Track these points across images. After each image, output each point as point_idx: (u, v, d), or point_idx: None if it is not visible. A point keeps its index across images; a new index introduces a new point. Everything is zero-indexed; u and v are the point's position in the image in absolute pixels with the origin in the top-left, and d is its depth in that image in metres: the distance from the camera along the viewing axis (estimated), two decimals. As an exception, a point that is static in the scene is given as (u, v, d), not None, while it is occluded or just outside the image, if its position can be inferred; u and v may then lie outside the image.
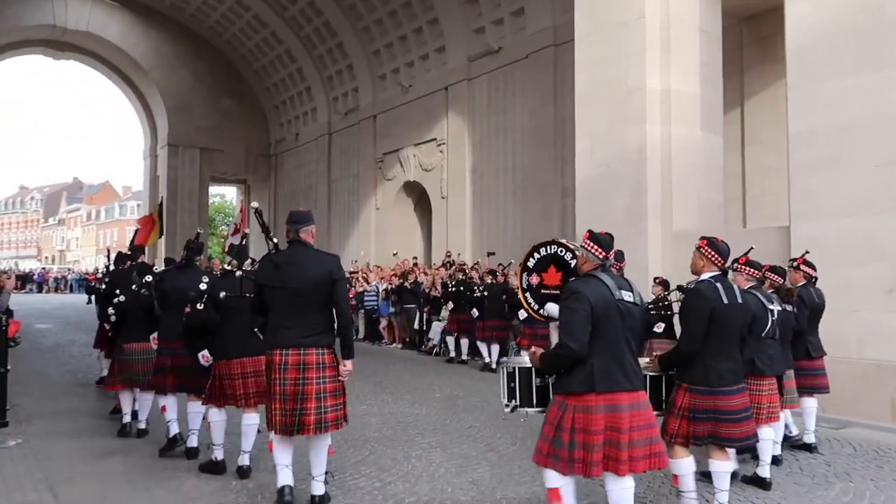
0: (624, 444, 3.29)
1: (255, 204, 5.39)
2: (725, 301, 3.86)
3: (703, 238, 4.17)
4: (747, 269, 5.10)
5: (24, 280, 36.27)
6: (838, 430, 6.39)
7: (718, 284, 3.92)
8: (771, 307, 4.91)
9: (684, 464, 3.91)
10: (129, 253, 7.75)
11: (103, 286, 7.68)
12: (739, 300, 3.98)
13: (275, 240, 4.97)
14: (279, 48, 24.11)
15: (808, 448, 5.63)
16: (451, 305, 11.79)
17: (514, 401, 4.01)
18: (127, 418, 6.10)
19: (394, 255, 16.31)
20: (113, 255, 7.98)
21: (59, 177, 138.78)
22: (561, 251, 4.78)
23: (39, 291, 36.99)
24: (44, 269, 47.21)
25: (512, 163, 16.12)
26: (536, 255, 5.02)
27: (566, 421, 3.36)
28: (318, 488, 4.21)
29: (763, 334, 4.72)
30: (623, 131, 9.63)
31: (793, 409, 5.56)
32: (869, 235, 7.17)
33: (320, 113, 24.26)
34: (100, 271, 10.93)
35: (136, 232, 13.50)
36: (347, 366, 4.21)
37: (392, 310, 13.95)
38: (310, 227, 4.39)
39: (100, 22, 24.07)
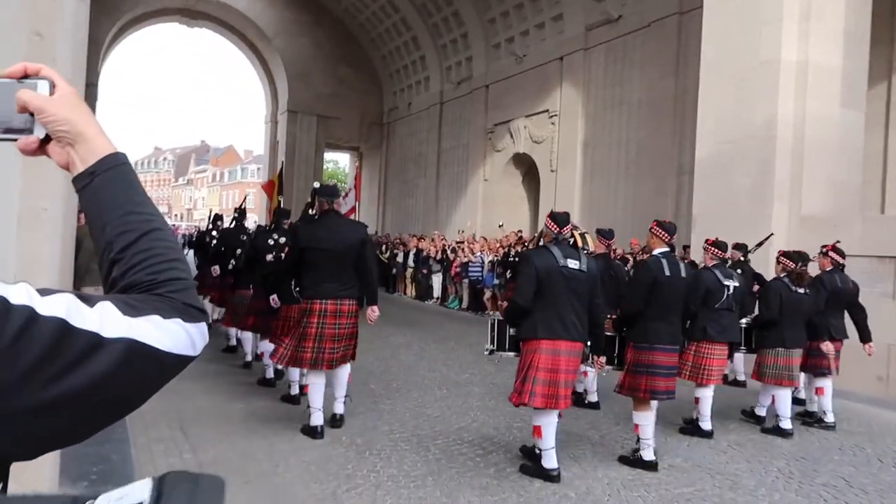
0: (562, 383, 4.14)
1: (316, 184, 5.81)
2: (667, 273, 4.64)
3: (655, 221, 5.02)
4: (713, 248, 5.77)
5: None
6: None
7: (664, 260, 4.71)
8: (727, 283, 5.56)
9: (643, 416, 4.60)
10: (234, 215, 9.11)
11: (212, 241, 9.53)
12: (682, 274, 4.76)
13: (312, 210, 5.75)
14: (395, 16, 24.37)
15: (828, 426, 5.99)
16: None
17: (493, 346, 4.97)
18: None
19: (499, 226, 16.30)
20: (217, 216, 9.85)
21: (189, 139, 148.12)
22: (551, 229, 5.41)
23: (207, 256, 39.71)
24: (174, 225, 50.81)
25: (626, 137, 15.59)
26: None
27: (528, 363, 4.21)
28: (339, 407, 5.21)
29: (717, 306, 5.48)
30: (752, 106, 9.05)
31: (790, 386, 5.87)
32: None
33: (433, 82, 24.40)
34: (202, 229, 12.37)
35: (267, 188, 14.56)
36: (375, 311, 5.17)
37: (497, 282, 14.00)
38: (339, 199, 5.31)
39: (230, -9, 25.24)
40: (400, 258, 18.16)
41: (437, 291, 16.38)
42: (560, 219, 4.39)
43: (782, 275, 5.99)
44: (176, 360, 0.84)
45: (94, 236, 0.95)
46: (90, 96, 22.13)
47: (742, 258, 7.76)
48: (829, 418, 6.07)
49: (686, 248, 10.20)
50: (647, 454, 4.57)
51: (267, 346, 6.40)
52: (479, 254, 14.88)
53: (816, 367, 6.16)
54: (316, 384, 5.03)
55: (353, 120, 27.75)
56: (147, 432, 4.84)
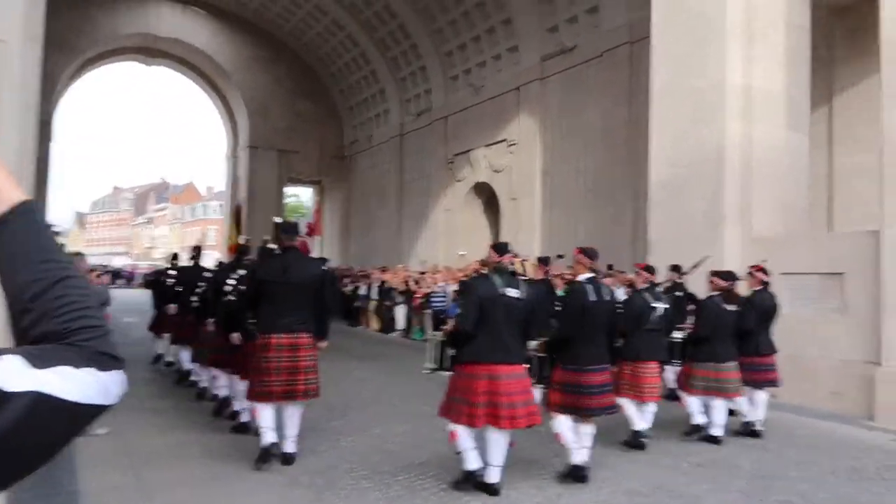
0: (504, 404, 4.33)
1: (278, 219, 5.97)
2: (593, 298, 4.90)
3: (577, 248, 5.31)
4: (643, 273, 6.20)
5: (114, 276, 38.42)
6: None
7: (589, 285, 4.97)
8: (655, 304, 5.94)
9: (561, 423, 4.89)
10: (192, 253, 9.12)
11: (168, 280, 9.52)
12: (606, 298, 5.02)
13: (273, 245, 5.89)
14: (354, 51, 24.61)
15: (755, 434, 6.33)
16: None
17: (435, 365, 5.47)
18: None
19: (461, 255, 16.36)
20: (174, 255, 9.63)
21: (149, 177, 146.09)
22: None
23: (128, 286, 39.10)
24: (132, 265, 49.83)
25: (584, 164, 15.87)
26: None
27: (461, 384, 4.49)
28: (291, 446, 5.13)
29: (647, 326, 5.84)
30: (701, 130, 9.32)
31: (728, 398, 6.21)
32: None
33: (393, 114, 24.60)
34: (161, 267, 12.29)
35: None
36: (324, 343, 5.36)
37: (460, 311, 13.98)
38: (300, 237, 5.46)
39: (189, 29, 25.22)
40: (363, 291, 18.04)
41: (400, 323, 16.29)
42: (500, 248, 4.72)
43: (714, 293, 6.43)
44: (88, 410, 0.85)
45: (4, 285, 0.94)
46: (44, 135, 21.74)
47: (678, 279, 8.00)
48: (760, 426, 6.44)
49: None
50: (577, 457, 4.85)
51: (228, 381, 6.59)
52: (441, 284, 14.88)
53: (753, 381, 6.55)
54: (266, 408, 5.10)
55: (314, 154, 27.75)
56: (98, 479, 4.68)
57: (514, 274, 4.85)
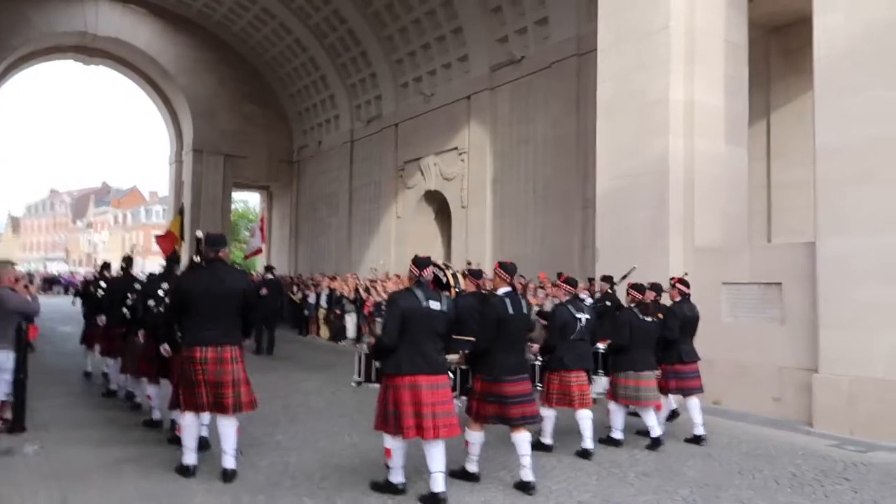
0: (427, 414, 4.48)
1: (199, 233, 5.86)
2: (511, 312, 5.07)
3: (497, 262, 5.49)
4: (565, 286, 6.41)
5: (50, 283, 36.85)
6: (864, 454, 6.19)
7: (507, 299, 5.13)
8: (579, 316, 6.13)
9: (475, 435, 5.10)
10: (122, 264, 8.77)
11: (98, 291, 9.12)
12: (524, 311, 5.19)
13: (197, 257, 5.89)
14: (303, 55, 24.31)
15: (698, 440, 6.55)
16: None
17: (361, 378, 5.74)
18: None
19: (374, 269, 16.48)
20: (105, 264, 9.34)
21: (89, 181, 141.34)
22: (437, 272, 6.10)
23: (66, 293, 37.56)
24: (70, 272, 47.92)
25: (533, 173, 16.02)
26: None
27: (388, 396, 4.61)
28: (230, 462, 5.00)
29: (572, 337, 6.03)
30: (645, 143, 9.49)
31: (643, 406, 6.44)
32: (899, 253, 6.94)
33: (343, 120, 24.39)
34: (90, 275, 11.68)
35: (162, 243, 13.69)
36: (245, 341, 5.37)
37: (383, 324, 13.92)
38: (225, 248, 5.41)
39: (129, 28, 24.46)
40: (312, 299, 17.76)
41: (350, 332, 16.09)
42: (421, 262, 4.87)
43: (632, 305, 6.73)
44: None
45: None
46: (-27, 137, 20.72)
47: (609, 289, 8.16)
48: (699, 430, 6.66)
49: (591, 280, 10.47)
50: (473, 467, 5.15)
51: (153, 390, 6.74)
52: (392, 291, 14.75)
53: (681, 388, 6.88)
54: (191, 425, 5.14)
55: (262, 158, 27.27)
56: (23, 502, 4.41)
57: (441, 286, 5.08)
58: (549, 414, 6.07)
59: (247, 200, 48.61)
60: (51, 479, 4.99)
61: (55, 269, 54.58)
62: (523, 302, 5.28)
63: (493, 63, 17.38)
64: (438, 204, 20.05)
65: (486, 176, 17.37)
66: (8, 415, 6.41)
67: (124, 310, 7.59)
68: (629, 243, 9.49)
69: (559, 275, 8.37)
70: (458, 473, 5.08)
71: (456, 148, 18.56)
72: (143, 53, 25.12)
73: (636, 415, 6.76)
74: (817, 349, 7.51)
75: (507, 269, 5.33)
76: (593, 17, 11.36)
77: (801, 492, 4.99)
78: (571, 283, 6.43)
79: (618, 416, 6.50)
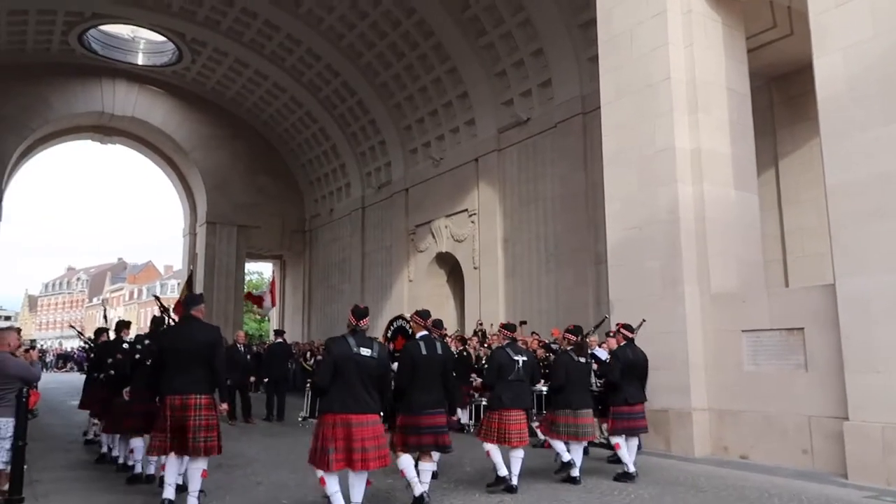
0: (357, 448, 5.01)
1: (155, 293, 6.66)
2: (424, 353, 5.77)
3: (414, 311, 6.31)
4: (503, 331, 7.03)
5: (65, 359, 36.82)
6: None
7: (422, 342, 5.85)
8: (516, 358, 6.61)
9: (404, 459, 5.66)
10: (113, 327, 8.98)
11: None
12: (439, 351, 5.86)
13: (173, 316, 6.80)
14: (314, 126, 24.88)
15: (629, 477, 6.93)
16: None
17: (306, 414, 6.43)
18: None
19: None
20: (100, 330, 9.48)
21: (105, 257, 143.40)
22: (403, 323, 6.90)
23: (80, 370, 37.41)
24: (82, 348, 47.89)
25: (544, 231, 15.99)
26: (392, 327, 7.60)
27: (320, 432, 5.11)
28: (192, 501, 5.42)
29: (510, 378, 6.53)
30: (653, 192, 9.43)
31: (581, 441, 7.05)
32: (921, 291, 6.69)
33: (354, 188, 24.70)
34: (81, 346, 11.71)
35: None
36: (222, 406, 5.79)
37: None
38: (199, 306, 5.99)
39: (144, 107, 25.25)
40: (324, 365, 17.49)
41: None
42: (358, 313, 5.45)
43: (568, 348, 7.30)
44: None
45: None
46: (-8, 215, 21.17)
47: (579, 341, 7.83)
48: (630, 469, 7.02)
49: (608, 334, 10.21)
50: (418, 489, 5.54)
51: (136, 443, 7.05)
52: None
53: (626, 429, 7.23)
54: (172, 463, 5.57)
55: (275, 228, 27.57)
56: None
57: (406, 337, 5.73)
58: (492, 447, 6.47)
59: (262, 272, 48.97)
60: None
61: (69, 345, 54.63)
62: (438, 344, 5.93)
63: (499, 125, 17.66)
64: (450, 266, 19.99)
65: (497, 236, 17.36)
66: (5, 486, 6.20)
67: (111, 372, 7.99)
68: (643, 293, 9.30)
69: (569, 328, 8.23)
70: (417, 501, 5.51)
71: (466, 210, 18.64)
72: (159, 131, 25.85)
73: (608, 446, 7.43)
74: (845, 395, 7.17)
75: (421, 314, 6.14)
76: (595, 76, 11.53)
77: (841, 544, 4.64)
78: (509, 328, 7.03)
79: (559, 446, 6.89)
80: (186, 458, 5.63)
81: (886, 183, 6.96)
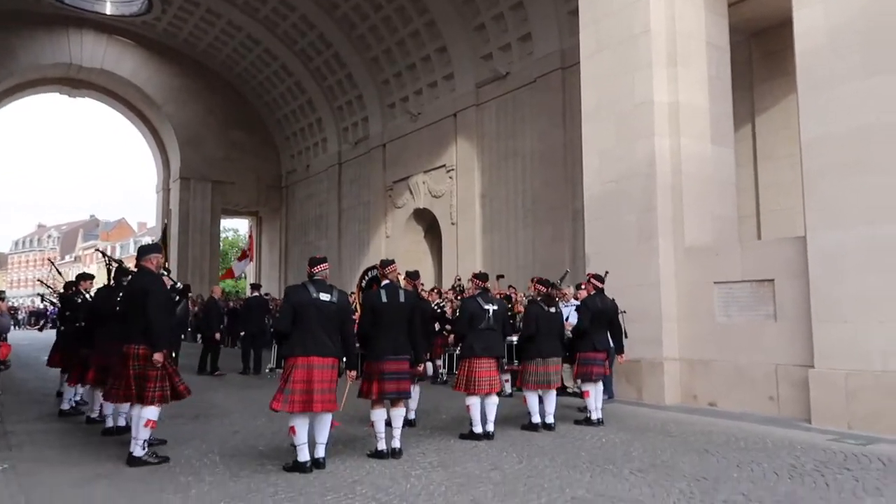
0: (316, 390, 5.19)
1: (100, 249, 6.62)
2: (384, 300, 5.89)
3: (379, 261, 6.58)
4: (475, 280, 7.11)
5: (38, 317, 36.37)
6: (865, 446, 6.01)
7: (383, 290, 6.00)
8: (487, 307, 6.68)
9: (376, 413, 5.74)
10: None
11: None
12: (401, 300, 5.96)
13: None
14: (289, 80, 24.36)
15: (593, 423, 7.23)
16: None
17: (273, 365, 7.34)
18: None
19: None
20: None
21: (77, 214, 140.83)
22: (377, 273, 6.89)
23: (54, 327, 37.03)
24: (54, 305, 47.26)
25: (522, 187, 15.97)
26: (367, 277, 7.96)
27: (285, 375, 5.30)
28: (135, 448, 5.50)
29: (481, 326, 6.60)
30: (631, 146, 9.43)
31: (549, 389, 7.13)
32: (893, 243, 6.82)
33: (330, 143, 24.37)
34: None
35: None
36: (157, 356, 5.55)
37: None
38: (149, 256, 5.90)
39: (114, 59, 24.50)
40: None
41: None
42: (313, 261, 5.64)
43: (537, 298, 7.36)
44: None
45: None
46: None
47: (548, 291, 7.96)
48: (594, 416, 7.29)
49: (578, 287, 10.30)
50: (381, 445, 5.69)
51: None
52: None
53: (585, 373, 7.41)
54: (141, 416, 5.60)
55: (250, 184, 27.20)
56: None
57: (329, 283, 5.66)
58: (473, 402, 6.50)
59: (237, 229, 48.47)
60: (19, 495, 4.74)
61: (41, 305, 53.87)
62: (401, 293, 6.03)
63: (478, 80, 17.44)
64: (428, 222, 19.95)
65: (475, 191, 17.31)
66: (-21, 434, 6.16)
67: (67, 325, 8.19)
68: (618, 247, 9.37)
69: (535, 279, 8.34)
70: (371, 453, 5.71)
71: (444, 165, 18.53)
72: (129, 83, 25.15)
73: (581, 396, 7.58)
74: (812, 344, 7.35)
75: (384, 264, 6.39)
76: (575, 31, 11.38)
77: (801, 482, 4.80)
78: (481, 277, 7.10)
79: (532, 401, 7.00)
80: (137, 406, 5.66)
81: (865, 136, 7.01)
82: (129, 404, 5.85)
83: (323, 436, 5.38)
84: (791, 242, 8.01)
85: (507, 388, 9.22)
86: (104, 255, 8.11)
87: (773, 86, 12.27)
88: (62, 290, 9.07)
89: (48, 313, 38.16)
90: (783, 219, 11.64)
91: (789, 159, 11.33)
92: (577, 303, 9.15)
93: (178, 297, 6.46)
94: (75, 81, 25.24)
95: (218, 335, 13.21)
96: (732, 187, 9.89)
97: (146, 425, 5.53)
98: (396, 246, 20.30)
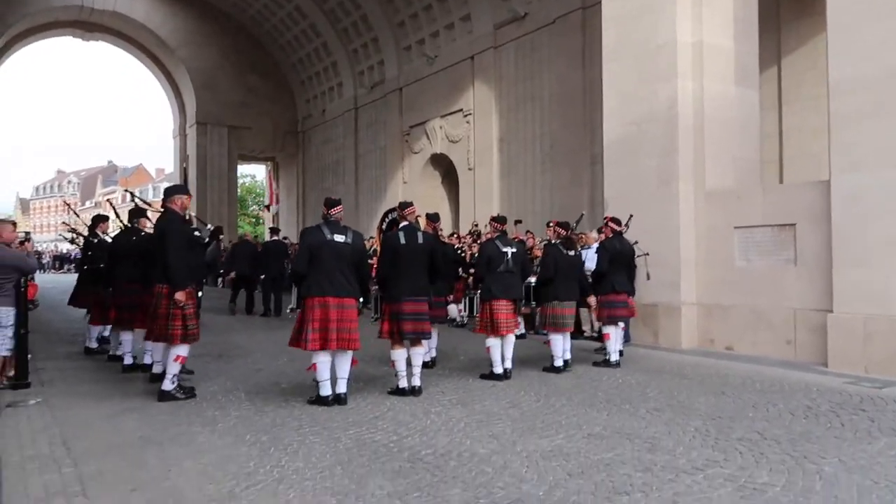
0: (332, 329, 5.34)
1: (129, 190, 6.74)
2: (403, 242, 5.93)
3: (398, 203, 6.77)
4: (493, 223, 7.14)
5: (62, 261, 37.04)
6: (881, 390, 6.04)
7: (401, 232, 6.04)
8: (505, 250, 6.70)
9: (396, 353, 5.91)
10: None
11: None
12: (420, 241, 6.01)
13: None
14: (303, 23, 23.93)
15: (611, 365, 7.31)
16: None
17: (294, 305, 7.13)
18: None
19: None
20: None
21: (96, 160, 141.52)
22: (396, 215, 7.11)
23: (77, 270, 37.68)
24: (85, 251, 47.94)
25: (540, 130, 15.76)
26: (387, 220, 7.94)
27: (303, 315, 5.44)
28: (166, 384, 5.70)
29: (499, 269, 6.63)
30: (653, 88, 9.22)
31: (565, 332, 7.18)
32: (918, 186, 6.68)
33: (346, 87, 24.08)
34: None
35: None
36: (178, 295, 5.61)
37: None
38: (172, 198, 5.93)
39: (127, 1, 24.15)
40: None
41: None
42: (330, 203, 5.73)
43: (556, 241, 7.35)
44: None
45: None
46: (-25, 113, 20.62)
47: (567, 234, 8.01)
48: (613, 358, 7.35)
49: (599, 230, 10.26)
50: (402, 383, 5.85)
51: (126, 336, 7.36)
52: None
53: (608, 316, 7.44)
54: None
55: (266, 129, 27.07)
56: (22, 451, 4.35)
57: (343, 225, 5.75)
58: (493, 344, 6.57)
59: (254, 175, 48.52)
60: (53, 427, 4.94)
61: (66, 249, 54.78)
62: (419, 234, 6.10)
63: (496, 21, 17.02)
64: (445, 167, 19.82)
65: (493, 136, 17.12)
66: (11, 371, 6.37)
67: (89, 266, 8.35)
68: (638, 191, 9.28)
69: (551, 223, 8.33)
70: (392, 391, 5.88)
71: (461, 110, 18.28)
72: (142, 26, 24.85)
73: (599, 339, 7.74)
74: (832, 289, 7.32)
75: (402, 205, 6.58)
76: (597, -33, 11.00)
77: (816, 422, 4.86)
78: (500, 220, 7.14)
79: (557, 345, 7.04)
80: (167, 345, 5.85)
81: (891, 80, 6.79)
82: (152, 343, 6.09)
83: (344, 371, 5.53)
84: (814, 186, 7.88)
85: (521, 328, 9.32)
86: (133, 196, 8.27)
87: (800, 26, 11.88)
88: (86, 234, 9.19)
89: (71, 257, 38.80)
90: (807, 164, 11.43)
91: (815, 102, 11.04)
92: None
93: (208, 240, 6.46)
94: (88, 24, 24.96)
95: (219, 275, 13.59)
96: (756, 130, 9.69)
97: (176, 360, 5.71)
98: (414, 192, 20.21)
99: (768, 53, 11.52)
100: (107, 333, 8.45)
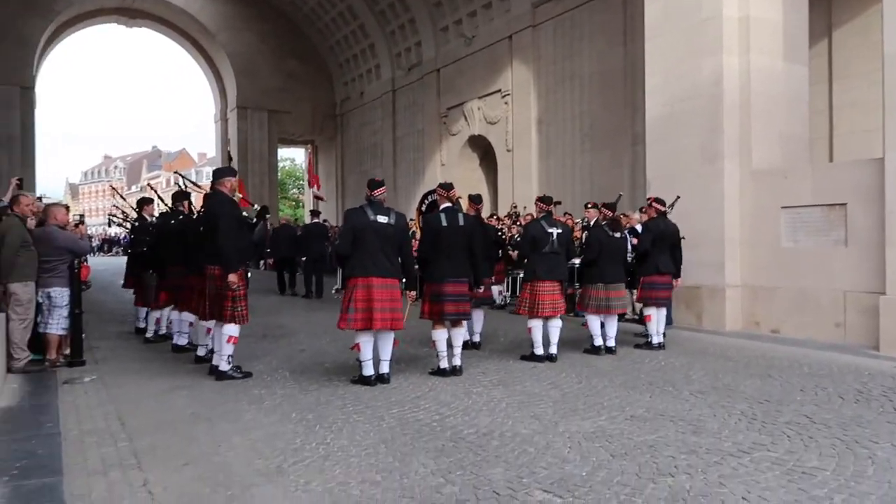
0: (376, 308, 5.39)
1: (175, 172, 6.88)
2: (445, 224, 5.94)
3: (438, 184, 6.59)
4: (539, 203, 6.98)
5: (110, 244, 38.09)
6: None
7: (443, 214, 6.04)
8: (550, 230, 6.60)
9: (437, 333, 5.92)
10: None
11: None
12: (461, 223, 6.01)
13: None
14: (341, 5, 23.96)
15: (654, 347, 7.22)
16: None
17: (339, 286, 7.24)
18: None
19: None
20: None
21: (140, 145, 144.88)
22: (436, 197, 6.79)
23: (125, 254, 38.72)
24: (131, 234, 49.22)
25: (579, 111, 15.54)
26: (426, 201, 7.70)
27: (347, 295, 5.51)
28: (221, 362, 5.82)
29: (544, 250, 6.56)
30: (697, 64, 9.00)
31: (614, 314, 7.13)
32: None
33: (384, 70, 24.08)
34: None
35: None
36: (231, 277, 5.67)
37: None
38: (222, 179, 6.00)
39: (168, -13, 24.51)
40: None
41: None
42: (373, 185, 5.72)
43: (602, 222, 7.32)
44: None
45: None
46: (26, 101, 21.28)
47: (613, 215, 7.84)
48: (655, 340, 7.28)
49: (641, 210, 10.11)
50: (443, 363, 5.90)
51: (175, 316, 7.50)
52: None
53: (649, 298, 7.38)
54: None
55: (306, 113, 27.28)
56: (80, 425, 4.52)
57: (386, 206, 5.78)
58: (535, 325, 6.59)
59: (294, 158, 49.05)
60: (108, 403, 5.12)
61: (114, 232, 56.34)
62: (460, 216, 6.09)
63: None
64: (483, 149, 19.73)
65: (531, 117, 16.95)
66: (66, 350, 6.62)
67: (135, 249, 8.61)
68: (681, 170, 9.10)
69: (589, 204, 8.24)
70: (433, 371, 5.93)
71: (499, 90, 18.13)
72: (183, 11, 25.20)
73: (640, 322, 7.57)
74: (885, 271, 7.09)
75: (444, 186, 6.39)
76: (639, -60, 10.73)
77: (868, 406, 4.74)
78: (545, 200, 6.96)
79: (594, 325, 6.99)
80: (218, 323, 5.93)
81: (952, 47, 6.50)
82: (197, 322, 6.35)
83: (386, 352, 5.61)
84: (867, 164, 7.61)
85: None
86: (183, 177, 8.47)
87: (851, 1, 11.41)
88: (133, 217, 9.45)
89: (121, 240, 39.88)
90: (858, 141, 11.04)
91: (868, 77, 10.63)
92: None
93: (255, 219, 6.54)
94: (131, 11, 25.44)
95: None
96: (805, 106, 9.38)
97: (228, 341, 5.79)
98: (452, 174, 20.14)
99: (818, 27, 11.11)
100: (155, 315, 8.43)
